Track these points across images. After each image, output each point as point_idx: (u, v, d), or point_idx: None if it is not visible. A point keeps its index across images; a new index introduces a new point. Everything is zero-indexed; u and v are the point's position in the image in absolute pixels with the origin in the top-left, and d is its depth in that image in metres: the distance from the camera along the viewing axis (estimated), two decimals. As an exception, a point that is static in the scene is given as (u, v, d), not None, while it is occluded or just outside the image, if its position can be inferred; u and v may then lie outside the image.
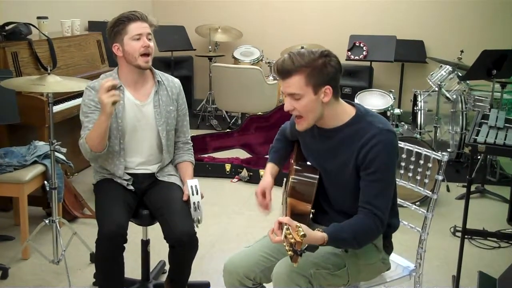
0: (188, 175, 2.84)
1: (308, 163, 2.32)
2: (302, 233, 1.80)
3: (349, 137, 2.12)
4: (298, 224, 1.87)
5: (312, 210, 2.20)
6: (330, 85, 2.05)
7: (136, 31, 2.64)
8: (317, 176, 2.24)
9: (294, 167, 2.30)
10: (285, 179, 2.54)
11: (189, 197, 2.65)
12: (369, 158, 2.06)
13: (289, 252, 1.80)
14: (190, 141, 2.98)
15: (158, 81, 2.80)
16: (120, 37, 2.66)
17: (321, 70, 2.03)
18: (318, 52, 2.04)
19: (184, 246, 2.59)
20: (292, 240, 1.79)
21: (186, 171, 2.88)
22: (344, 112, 2.16)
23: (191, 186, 2.65)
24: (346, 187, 2.18)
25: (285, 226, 1.87)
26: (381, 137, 2.06)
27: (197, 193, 2.64)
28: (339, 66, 2.07)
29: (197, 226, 2.66)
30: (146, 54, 2.67)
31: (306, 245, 1.83)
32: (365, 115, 2.15)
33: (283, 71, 2.05)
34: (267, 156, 2.55)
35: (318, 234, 1.97)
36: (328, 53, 2.05)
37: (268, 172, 2.45)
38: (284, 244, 1.84)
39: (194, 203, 2.63)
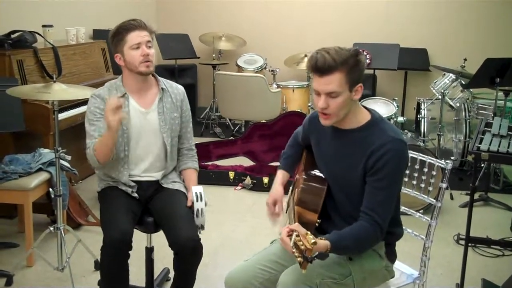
0: (192, 182, 2.86)
1: (317, 172, 2.33)
2: (312, 240, 1.82)
3: (361, 141, 2.14)
4: (308, 232, 1.89)
5: (318, 220, 2.21)
6: (361, 82, 2.10)
7: (135, 40, 2.66)
8: (325, 187, 2.26)
9: (303, 176, 2.30)
10: (291, 187, 2.55)
11: (193, 203, 2.67)
12: (378, 165, 2.08)
13: (299, 259, 1.82)
14: (194, 148, 2.99)
15: (162, 88, 2.82)
16: (120, 47, 2.69)
17: (357, 67, 2.06)
18: (351, 50, 2.07)
19: (188, 253, 2.60)
20: (303, 247, 1.81)
21: (191, 178, 2.90)
22: (361, 115, 2.18)
23: (196, 193, 2.68)
24: (352, 189, 2.19)
25: (294, 233, 1.89)
26: (392, 146, 2.08)
27: (201, 200, 2.66)
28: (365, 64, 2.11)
29: (200, 233, 2.68)
30: (146, 61, 2.68)
31: (317, 252, 1.84)
32: (379, 122, 2.17)
33: (324, 68, 2.03)
34: (271, 164, 2.56)
35: (321, 242, 1.98)
36: (358, 51, 2.09)
37: (279, 181, 2.46)
38: (293, 250, 1.86)
39: (197, 209, 2.65)
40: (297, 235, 1.87)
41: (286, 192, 2.46)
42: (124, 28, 2.67)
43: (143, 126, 2.77)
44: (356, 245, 2.09)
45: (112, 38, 2.71)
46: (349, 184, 2.20)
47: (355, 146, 2.15)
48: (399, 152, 2.10)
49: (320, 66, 2.04)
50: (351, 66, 2.04)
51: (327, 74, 2.04)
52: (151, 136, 2.79)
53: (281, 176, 2.49)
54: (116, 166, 2.76)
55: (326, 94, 2.07)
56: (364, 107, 2.23)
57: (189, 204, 2.71)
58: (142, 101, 2.78)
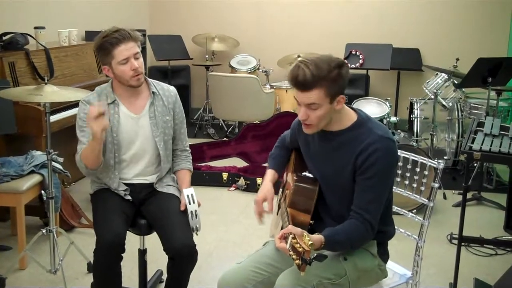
0: (185, 184, 2.85)
1: (308, 174, 2.33)
2: (310, 242, 1.81)
3: (349, 141, 2.15)
4: (303, 231, 1.89)
5: (311, 221, 2.21)
6: (343, 94, 2.10)
7: (123, 55, 2.58)
8: (317, 188, 2.26)
9: (294, 178, 2.30)
10: (281, 189, 2.54)
11: (186, 206, 2.67)
12: (367, 164, 2.09)
13: (297, 261, 1.80)
14: (188, 149, 2.98)
15: (153, 92, 2.79)
16: (108, 61, 2.62)
17: (338, 81, 2.05)
18: (334, 62, 2.05)
19: (184, 259, 2.59)
20: (300, 249, 1.80)
21: (184, 179, 2.89)
22: (347, 117, 2.19)
23: (187, 195, 2.68)
24: (343, 190, 2.20)
25: (290, 235, 1.87)
26: (380, 144, 2.09)
27: (193, 202, 2.67)
28: (349, 74, 2.11)
29: (197, 234, 2.68)
30: (137, 75, 2.65)
31: (315, 254, 1.83)
32: (366, 122, 2.18)
33: (303, 84, 2.04)
34: (265, 165, 2.56)
35: (316, 237, 2.00)
36: (342, 62, 2.07)
37: (268, 179, 2.46)
38: (290, 253, 1.84)
39: (191, 212, 2.66)
40: (293, 237, 1.85)
41: (276, 192, 2.46)
42: (110, 43, 2.57)
43: (135, 132, 2.75)
44: (348, 241, 2.11)
45: (98, 51, 2.64)
46: (339, 185, 2.21)
47: (344, 147, 2.17)
48: (388, 150, 2.11)
49: (300, 82, 2.05)
50: (331, 81, 2.04)
51: (306, 89, 2.05)
52: (144, 141, 2.77)
53: (270, 174, 2.49)
54: (106, 172, 2.75)
55: (306, 105, 2.09)
56: (351, 107, 2.24)
57: (182, 208, 2.70)
58: (133, 107, 2.76)
